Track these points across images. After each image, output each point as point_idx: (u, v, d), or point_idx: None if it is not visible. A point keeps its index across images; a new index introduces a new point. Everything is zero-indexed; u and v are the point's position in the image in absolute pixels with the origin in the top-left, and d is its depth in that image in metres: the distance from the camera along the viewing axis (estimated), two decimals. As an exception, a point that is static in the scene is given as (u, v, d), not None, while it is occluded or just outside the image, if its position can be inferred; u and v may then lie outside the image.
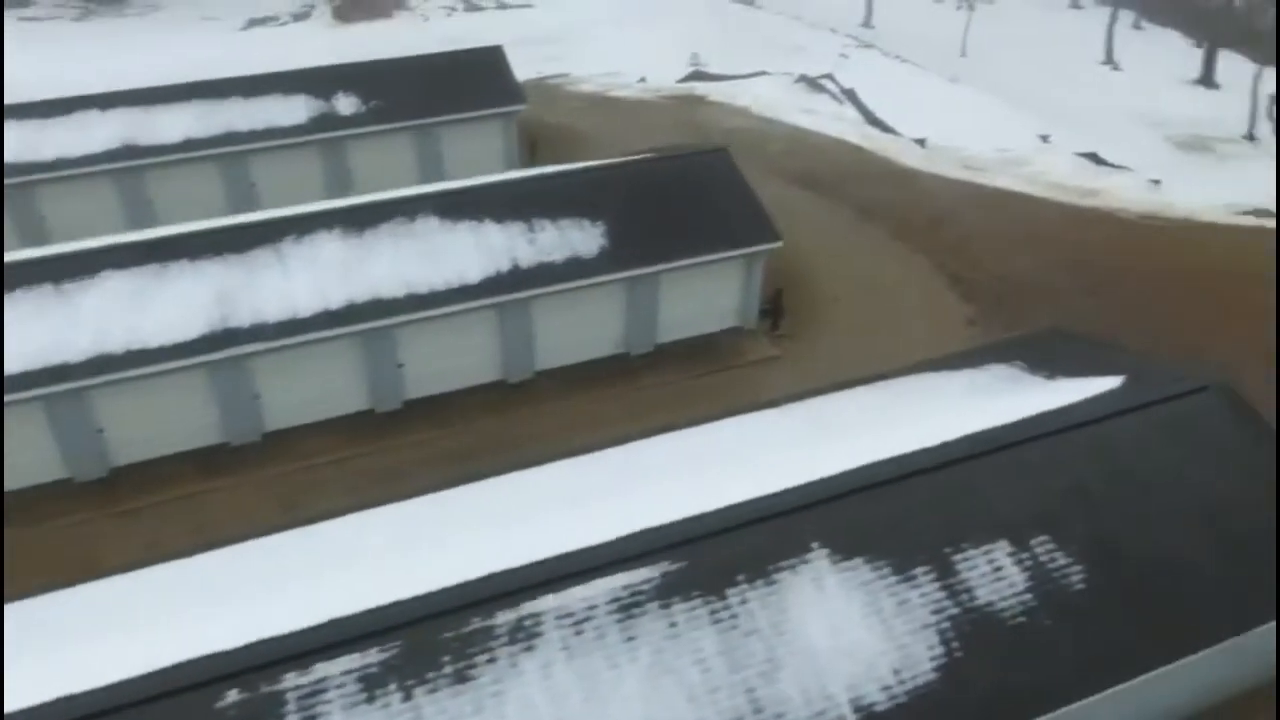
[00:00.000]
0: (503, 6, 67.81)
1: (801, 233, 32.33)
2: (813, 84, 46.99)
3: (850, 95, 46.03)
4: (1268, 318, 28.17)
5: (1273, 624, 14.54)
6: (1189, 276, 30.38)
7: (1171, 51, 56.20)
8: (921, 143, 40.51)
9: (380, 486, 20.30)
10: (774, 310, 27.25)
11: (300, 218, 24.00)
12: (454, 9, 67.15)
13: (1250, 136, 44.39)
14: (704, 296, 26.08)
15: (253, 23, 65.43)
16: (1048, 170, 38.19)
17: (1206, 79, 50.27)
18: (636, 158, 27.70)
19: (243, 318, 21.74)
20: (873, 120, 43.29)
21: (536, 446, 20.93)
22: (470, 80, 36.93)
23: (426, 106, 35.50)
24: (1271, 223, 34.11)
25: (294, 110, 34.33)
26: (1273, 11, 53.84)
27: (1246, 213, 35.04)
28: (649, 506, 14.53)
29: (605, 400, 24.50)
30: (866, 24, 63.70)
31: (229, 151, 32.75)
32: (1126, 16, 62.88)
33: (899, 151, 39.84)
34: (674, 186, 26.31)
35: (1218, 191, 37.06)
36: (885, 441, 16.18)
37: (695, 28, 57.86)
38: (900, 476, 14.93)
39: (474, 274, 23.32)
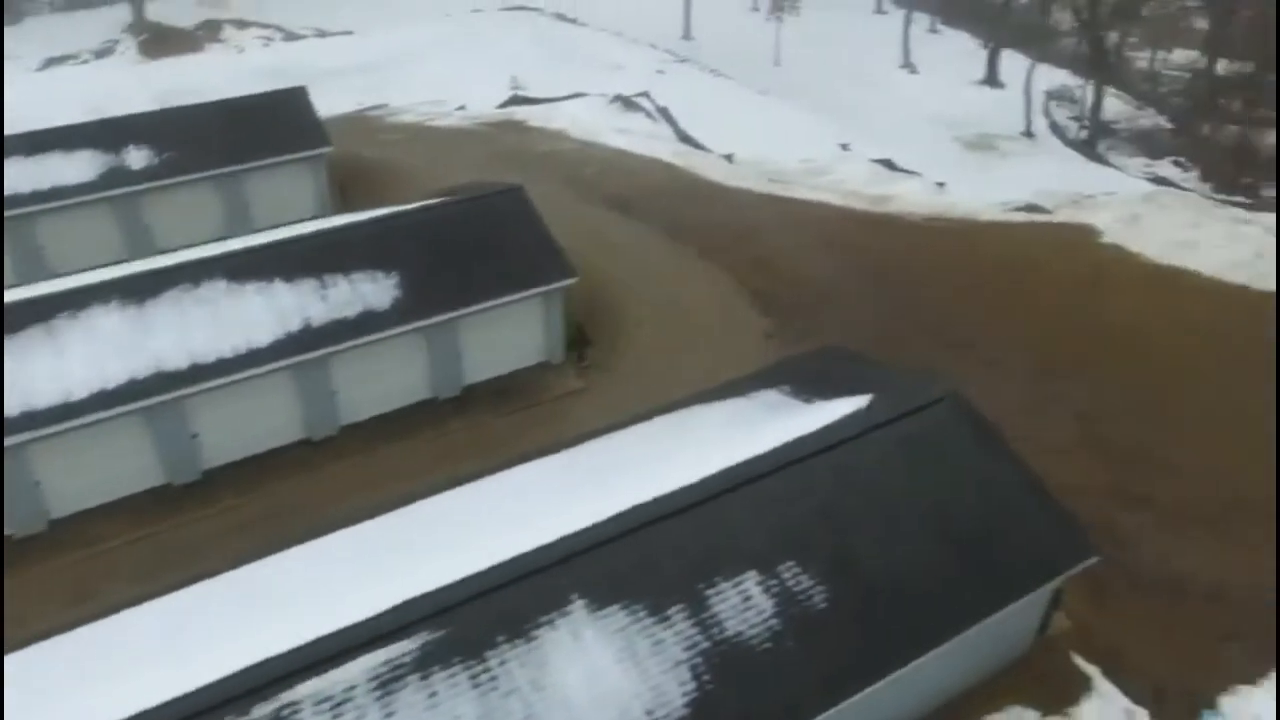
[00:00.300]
0: (322, 34, 66.42)
1: (611, 257, 33.33)
2: (628, 103, 48.11)
3: (664, 113, 47.38)
4: (1034, 308, 30.81)
5: (1000, 613, 16.14)
6: (966, 274, 32.79)
7: (963, 53, 60.06)
8: (729, 158, 42.14)
9: (177, 566, 19.92)
10: (579, 341, 27.98)
11: (75, 291, 23.21)
12: (270, 39, 65.32)
13: (1028, 133, 47.94)
14: (507, 335, 26.56)
15: (51, 61, 61.93)
16: (846, 179, 40.38)
17: (991, 79, 54.01)
18: (432, 202, 27.91)
19: (12, 405, 20.92)
20: (685, 138, 44.71)
21: (341, 504, 21.02)
22: (274, 124, 36.25)
23: (227, 154, 34.67)
24: (1041, 217, 37.16)
25: (81, 166, 32.98)
26: (1046, 12, 58.37)
27: (1019, 209, 37.97)
28: (416, 575, 14.90)
29: (413, 449, 24.67)
30: (686, 36, 65.49)
31: (13, 215, 31.25)
32: (926, 20, 66.88)
33: (709, 168, 41.32)
34: (469, 229, 26.67)
35: (996, 190, 40.05)
36: (650, 483, 17.02)
37: (518, 49, 58.21)
38: (657, 519, 15.79)
39: (263, 337, 23.10)
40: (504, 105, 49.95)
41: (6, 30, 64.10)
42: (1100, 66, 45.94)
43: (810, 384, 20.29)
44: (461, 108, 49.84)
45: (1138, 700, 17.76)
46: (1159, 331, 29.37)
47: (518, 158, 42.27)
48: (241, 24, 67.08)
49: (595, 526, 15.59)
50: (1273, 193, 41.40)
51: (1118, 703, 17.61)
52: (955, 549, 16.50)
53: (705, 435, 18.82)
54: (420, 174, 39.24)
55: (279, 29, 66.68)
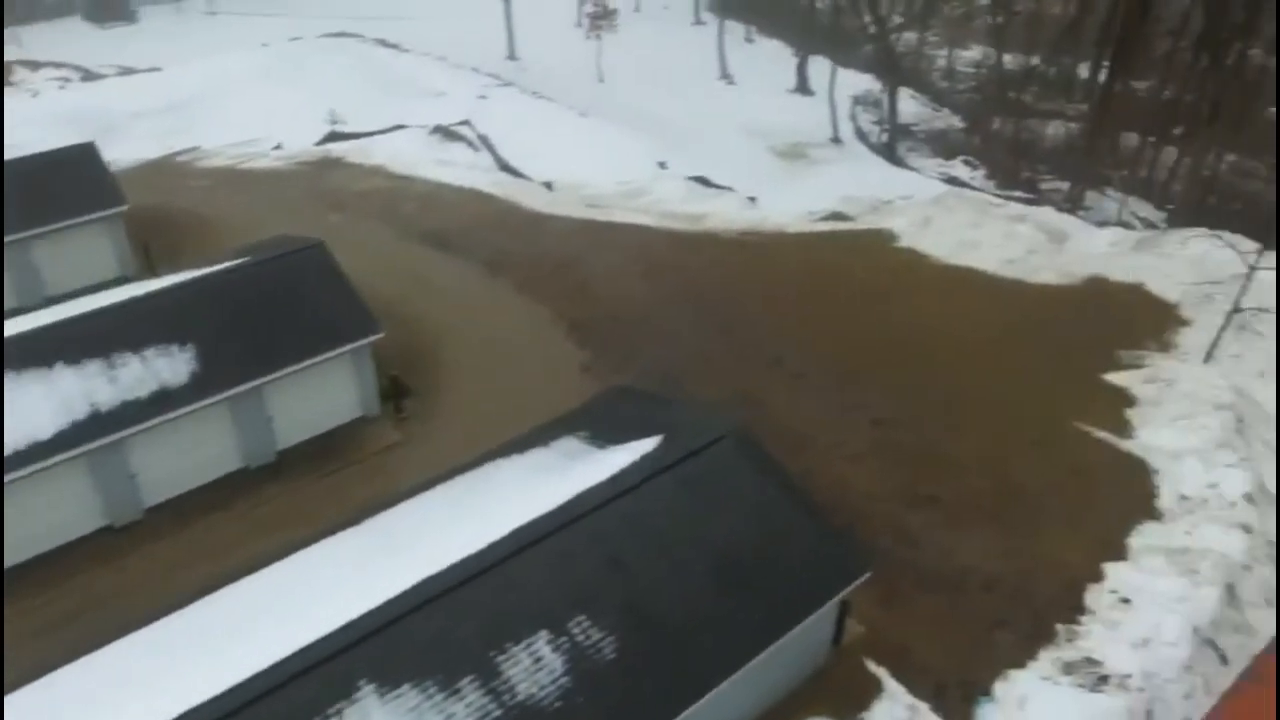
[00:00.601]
0: (126, 72, 63.14)
1: (429, 297, 33.33)
2: (449, 134, 47.99)
3: (485, 141, 47.50)
4: (838, 316, 32.55)
5: (785, 638, 17.23)
6: (776, 287, 34.36)
7: (777, 61, 62.35)
8: (549, 185, 42.68)
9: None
10: (396, 392, 27.93)
11: None
12: (67, 80, 61.69)
13: (836, 139, 50.35)
14: (318, 395, 26.26)
15: None
16: (663, 198, 41.56)
17: (802, 86, 56.36)
18: (229, 265, 27.25)
19: None
20: (505, 166, 44.99)
21: (147, 594, 20.46)
22: (61, 184, 34.48)
23: (10, 221, 32.79)
24: (845, 225, 39.24)
25: None
26: (850, 17, 61.30)
27: (825, 218, 40.01)
28: (200, 678, 14.76)
29: (226, 523, 24.13)
30: (511, 56, 65.48)
31: None
32: (742, 29, 69.06)
33: (528, 196, 41.75)
34: (268, 291, 26.21)
35: (805, 199, 41.99)
36: (446, 550, 17.32)
37: (337, 80, 56.86)
38: (449, 589, 16.13)
39: (46, 429, 22.15)
40: (322, 142, 48.98)
41: None
42: (891, 70, 48.59)
43: (607, 428, 20.99)
44: (278, 147, 48.57)
45: (921, 696, 19.27)
46: (947, 331, 31.56)
47: (335, 198, 41.63)
48: (34, 64, 63.18)
49: (386, 604, 15.79)
50: (1051, 185, 44.90)
51: (903, 700, 19.05)
52: (739, 582, 17.50)
53: (504, 492, 19.25)
54: (230, 224, 38.09)
55: (77, 68, 63.09)
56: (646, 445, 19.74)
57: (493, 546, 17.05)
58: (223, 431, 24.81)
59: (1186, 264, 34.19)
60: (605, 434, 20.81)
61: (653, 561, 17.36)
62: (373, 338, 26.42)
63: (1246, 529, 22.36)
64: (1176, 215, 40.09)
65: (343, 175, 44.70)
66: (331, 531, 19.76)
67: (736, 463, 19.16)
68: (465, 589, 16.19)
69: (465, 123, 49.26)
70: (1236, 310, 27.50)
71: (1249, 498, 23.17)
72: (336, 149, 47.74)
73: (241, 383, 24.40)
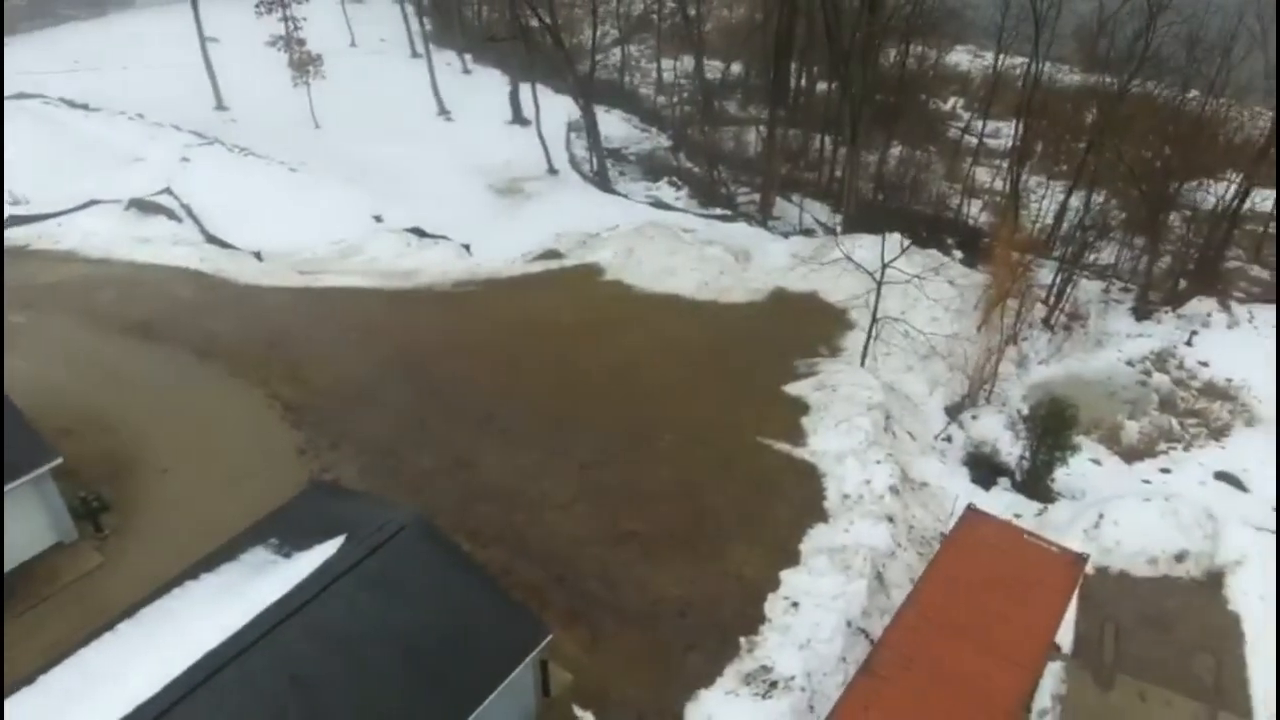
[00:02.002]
0: None
1: (130, 396, 31.89)
2: (147, 206, 45.71)
3: (188, 211, 45.63)
4: (547, 362, 34.06)
5: (478, 711, 18.41)
6: (489, 338, 35.49)
7: (495, 92, 63.22)
8: (258, 255, 41.72)
9: None
10: (90, 511, 26.80)
11: None
12: None
13: (552, 170, 52.07)
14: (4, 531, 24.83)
15: None
16: (378, 255, 41.71)
17: (518, 117, 57.61)
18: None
19: None
20: (211, 237, 43.48)
21: None
22: None
23: None
24: (556, 263, 40.97)
25: None
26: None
27: (538, 257, 41.59)
28: None
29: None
30: (220, 106, 62.71)
31: None
32: (460, 60, 69.44)
33: (238, 269, 40.66)
34: (-77, 433, 24.46)
35: (521, 239, 43.35)
36: (131, 690, 17.22)
37: (17, 152, 52.31)
38: (126, 739, 16.12)
39: None
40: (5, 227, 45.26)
41: None
42: (584, 94, 50.54)
43: (295, 534, 21.32)
44: (-56, 243, 44.38)
45: (621, 730, 21.10)
46: (649, 363, 33.90)
47: (20, 295, 38.67)
48: None
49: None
50: (749, 197, 48.60)
51: (605, 739, 20.78)
52: (427, 669, 18.50)
53: (192, 618, 19.22)
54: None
55: None
56: (330, 548, 20.29)
57: (176, 681, 17.13)
58: (-115, 594, 23.03)
59: (852, 268, 38.27)
60: (292, 540, 21.14)
61: (337, 669, 18.02)
62: (49, 464, 25.23)
63: (891, 519, 25.82)
64: (849, 219, 44.49)
65: (29, 266, 41.61)
66: (28, 679, 19.08)
67: (416, 553, 20.11)
68: (137, 743, 16.23)
69: (166, 191, 47.06)
70: (874, 319, 31.31)
71: (893, 489, 26.72)
72: (19, 235, 44.32)
73: (-103, 540, 22.75)
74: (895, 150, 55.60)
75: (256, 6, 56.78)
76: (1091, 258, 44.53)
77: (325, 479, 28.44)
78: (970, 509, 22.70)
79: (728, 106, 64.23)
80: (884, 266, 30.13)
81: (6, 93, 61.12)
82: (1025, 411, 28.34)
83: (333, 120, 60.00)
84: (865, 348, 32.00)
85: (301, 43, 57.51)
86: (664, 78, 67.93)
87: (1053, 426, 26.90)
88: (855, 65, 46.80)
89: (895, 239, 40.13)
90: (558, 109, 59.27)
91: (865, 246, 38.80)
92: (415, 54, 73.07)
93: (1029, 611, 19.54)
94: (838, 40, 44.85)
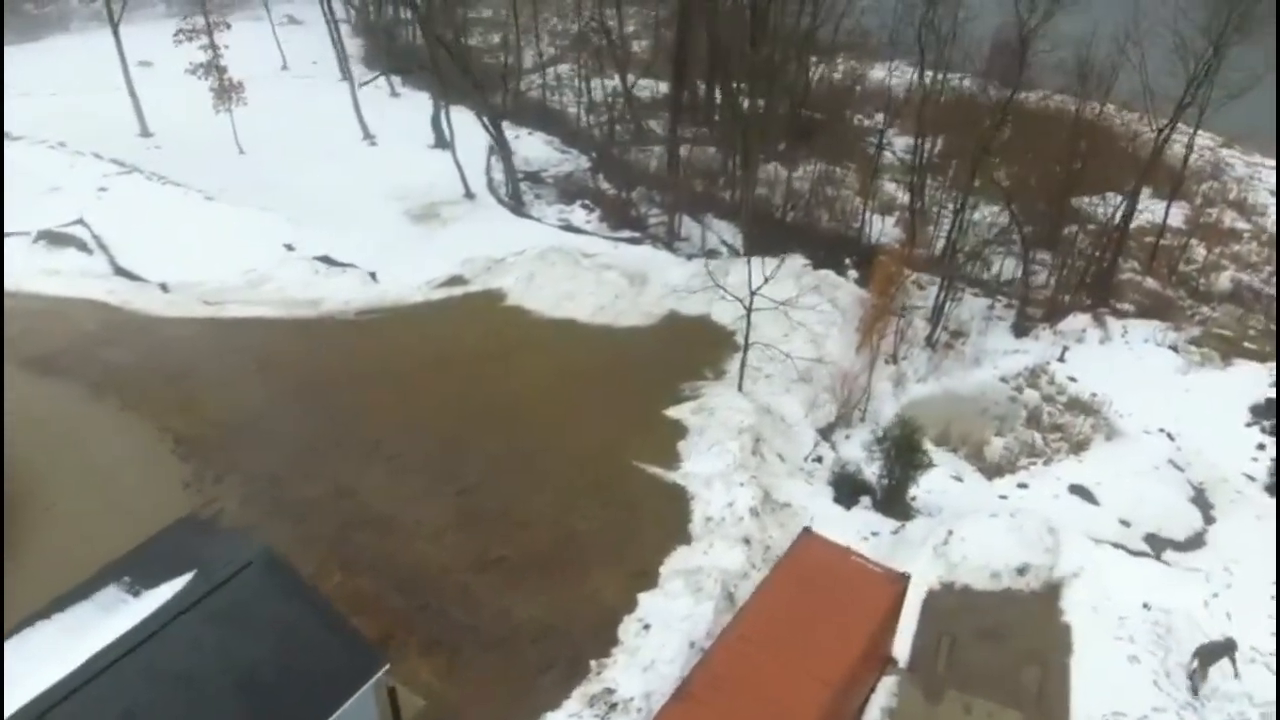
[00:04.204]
0: None
1: (23, 432, 32.27)
2: (57, 238, 45.98)
3: (99, 242, 45.97)
4: (443, 388, 34.85)
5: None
6: (389, 365, 36.22)
7: (422, 116, 63.74)
8: (164, 286, 42.20)
9: None
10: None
11: None
12: None
13: (469, 195, 52.86)
14: None
15: None
16: (286, 284, 42.31)
17: (441, 141, 58.24)
18: None
19: None
20: (120, 269, 43.87)
21: None
22: None
23: None
24: (461, 289, 41.78)
25: None
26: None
27: (444, 284, 42.37)
28: None
29: None
30: (144, 133, 62.93)
31: None
32: (389, 83, 70.01)
33: (144, 301, 41.10)
34: None
35: (430, 265, 44.03)
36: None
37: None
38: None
39: None
40: (-90, 262, 45.38)
41: None
42: (495, 124, 51.27)
43: (146, 572, 21.95)
44: None
45: (465, 755, 21.92)
46: (542, 387, 34.77)
47: (-78, 331, 39.04)
48: None
49: None
50: (661, 218, 49.64)
51: (449, 764, 21.59)
52: (263, 703, 19.24)
53: (28, 665, 19.82)
54: None
55: None
56: (178, 584, 20.98)
57: (5, 726, 17.76)
58: None
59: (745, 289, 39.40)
60: (145, 578, 21.77)
61: (173, 706, 18.71)
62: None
63: (748, 541, 26.85)
64: (750, 240, 45.58)
65: (-67, 302, 41.84)
66: None
67: (260, 588, 20.84)
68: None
69: (79, 222, 47.34)
70: (746, 345, 32.41)
71: (754, 511, 27.76)
72: (-71, 270, 44.45)
73: None
74: (812, 167, 56.97)
75: (175, 35, 57.16)
76: (986, 271, 46.00)
77: (210, 510, 29.20)
78: (805, 531, 23.73)
79: (656, 126, 65.23)
80: (752, 294, 31.21)
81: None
82: (879, 433, 29.48)
83: (257, 145, 60.38)
84: (741, 372, 33.06)
85: (223, 70, 57.88)
86: (594, 96, 68.85)
87: (903, 447, 28.08)
88: (760, 82, 48.03)
89: (792, 261, 41.55)
90: (481, 132, 59.91)
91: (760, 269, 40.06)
92: (344, 78, 73.67)
93: (842, 630, 20.56)
94: (723, 64, 46.03)
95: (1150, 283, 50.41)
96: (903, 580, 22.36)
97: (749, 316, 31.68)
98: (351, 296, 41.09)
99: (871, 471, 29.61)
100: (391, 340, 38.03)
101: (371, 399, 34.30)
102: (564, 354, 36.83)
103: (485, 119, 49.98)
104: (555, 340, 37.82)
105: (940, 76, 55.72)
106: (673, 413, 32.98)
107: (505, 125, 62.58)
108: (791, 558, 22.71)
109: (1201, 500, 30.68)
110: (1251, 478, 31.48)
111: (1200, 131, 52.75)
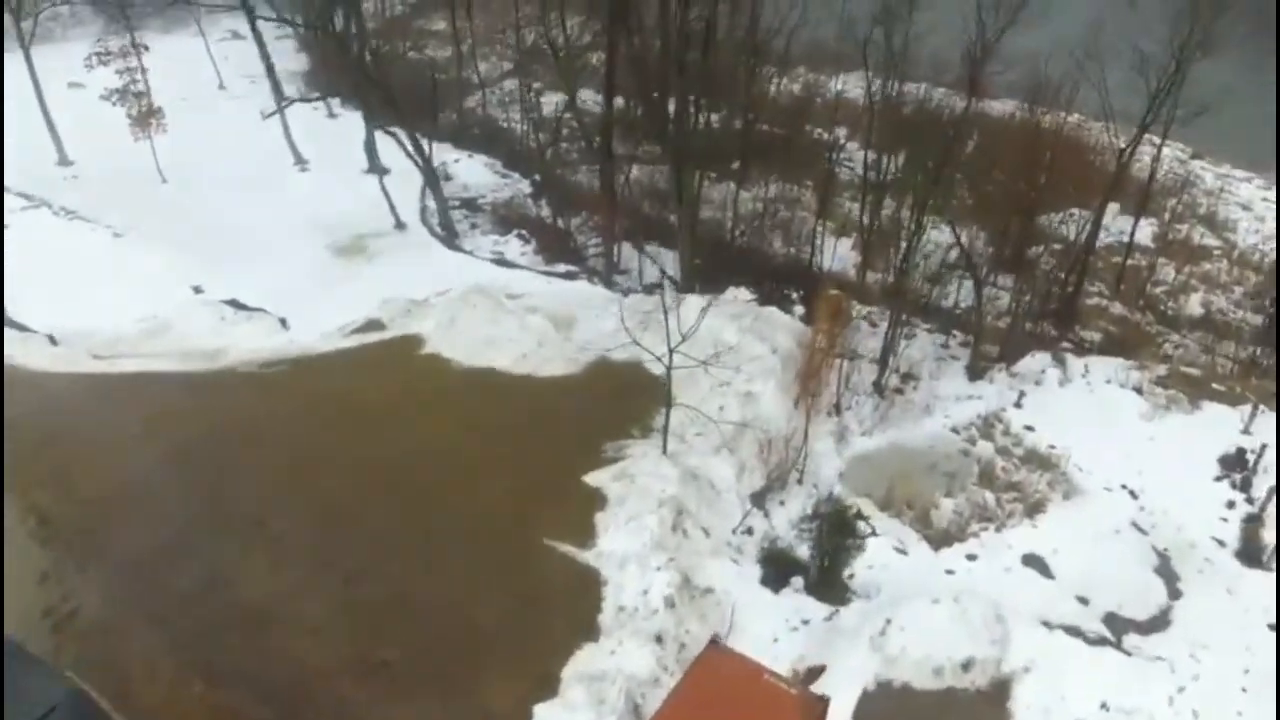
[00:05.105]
0: None
1: None
2: (-53, 284, 42.66)
3: (-9, 288, 42.66)
4: (342, 453, 31.78)
5: None
6: (285, 427, 33.07)
7: (360, 138, 60.53)
8: (53, 338, 38.97)
9: None
10: None
11: None
12: None
13: (399, 225, 49.81)
14: None
15: None
16: (188, 333, 39.15)
17: (375, 166, 55.10)
18: None
19: None
20: (9, 320, 40.54)
21: None
22: None
23: None
24: (376, 335, 38.73)
25: None
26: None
27: (359, 329, 39.25)
28: None
29: None
30: (63, 161, 59.52)
31: None
32: (325, 106, 66.67)
33: (29, 355, 37.75)
34: None
35: (348, 307, 40.72)
36: None
37: None
38: None
39: None
40: None
41: None
42: (421, 158, 48.17)
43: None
44: None
45: None
46: (451, 448, 31.69)
47: None
48: None
49: None
50: (598, 251, 46.69)
51: None
52: None
53: None
54: None
55: None
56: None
57: None
58: None
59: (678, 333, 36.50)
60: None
61: None
62: None
63: (660, 639, 23.96)
64: (688, 275, 42.72)
65: None
66: None
67: (66, 734, 17.87)
68: None
69: (-29, 265, 43.97)
70: (669, 406, 29.53)
71: (669, 601, 24.87)
72: None
73: None
74: (765, 188, 54.23)
75: (86, 60, 53.93)
76: (944, 298, 43.25)
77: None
78: (712, 643, 20.94)
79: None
80: (671, 352, 28.31)
81: None
82: (811, 509, 26.66)
83: (182, 173, 57.04)
84: (664, 435, 30.17)
85: (140, 95, 54.63)
86: (543, 113, 65.71)
87: (836, 527, 25.28)
88: (697, 96, 45.02)
89: (731, 299, 38.76)
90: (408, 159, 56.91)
91: (694, 307, 37.17)
92: (284, 97, 70.42)
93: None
94: (662, 75, 43.09)
95: (1117, 308, 47.91)
96: (821, 704, 19.55)
97: (669, 375, 28.78)
98: (258, 346, 37.95)
99: (804, 548, 26.80)
100: (292, 397, 34.87)
101: (263, 465, 31.18)
102: (479, 409, 33.78)
103: (408, 145, 46.76)
104: (471, 394, 34.78)
105: (894, 88, 53.14)
106: (592, 479, 30.02)
107: (446, 148, 59.77)
108: (695, 677, 19.89)
109: (1166, 569, 27.96)
110: (1221, 542, 28.80)
111: (1168, 141, 50.35)
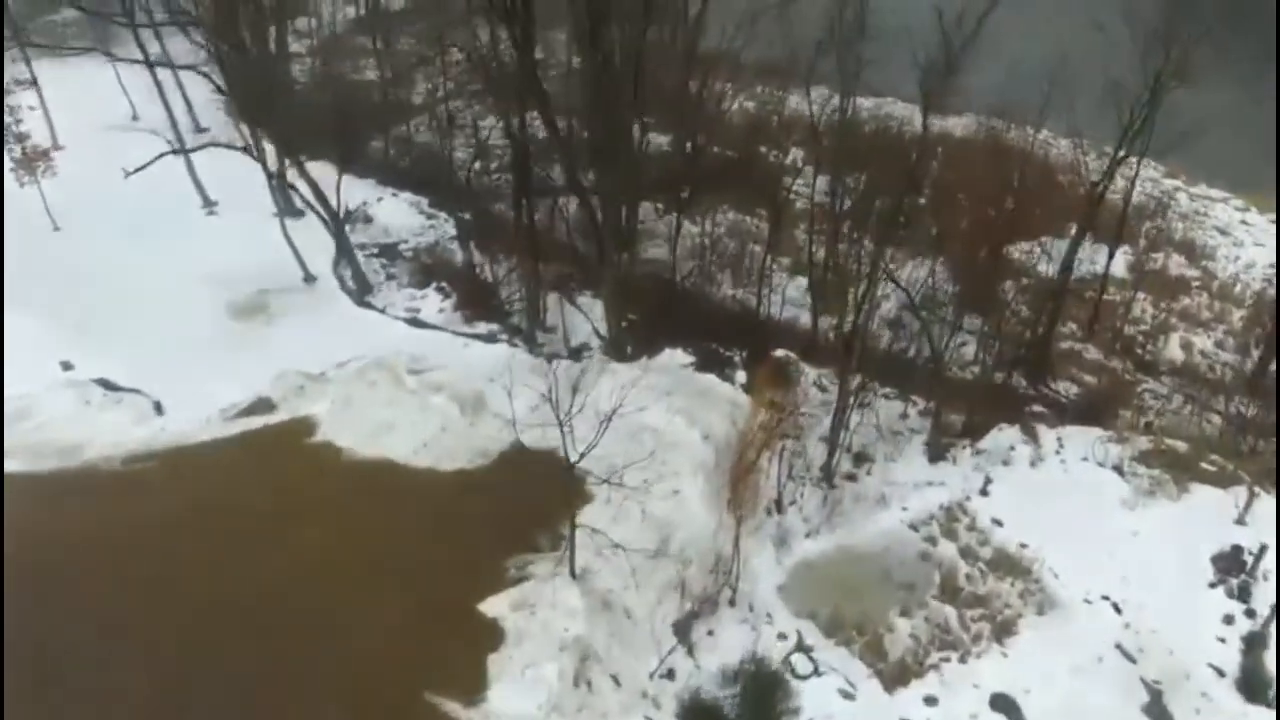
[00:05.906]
0: None
1: None
2: None
3: None
4: (200, 571, 27.34)
5: None
6: (131, 547, 28.36)
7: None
8: (-112, 434, 34.11)
9: None
10: None
11: None
12: None
13: (308, 278, 45.23)
14: None
15: None
16: (48, 421, 34.44)
17: (288, 208, 50.31)
18: None
19: None
20: None
21: None
22: None
23: None
24: (263, 418, 34.20)
25: None
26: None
27: (244, 411, 34.71)
28: None
29: None
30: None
31: None
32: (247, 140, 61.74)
33: None
34: None
35: (235, 383, 36.12)
36: None
37: None
38: None
39: None
40: None
41: None
42: (330, 216, 43.53)
43: None
44: None
45: None
46: (330, 564, 27.45)
47: None
48: None
49: None
50: (518, 312, 42.13)
51: None
52: None
53: None
54: None
55: None
56: None
57: None
58: None
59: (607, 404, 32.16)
60: None
61: None
62: None
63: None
64: (615, 339, 38.37)
65: None
66: None
67: None
68: None
69: None
70: (573, 526, 25.24)
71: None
72: None
73: None
74: (715, 220, 49.99)
75: (-36, 98, 48.93)
76: (908, 351, 39.36)
77: None
78: None
79: (552, 174, 57.03)
80: (571, 466, 24.00)
81: None
82: (730, 670, 22.49)
83: (79, 219, 51.97)
84: (570, 557, 25.82)
85: (24, 137, 49.74)
86: (483, 139, 60.82)
87: (757, 698, 21.06)
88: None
89: (664, 365, 34.60)
90: (343, 193, 52.12)
91: (619, 374, 33.02)
92: (201, 130, 65.37)
93: None
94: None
95: (1091, 351, 44.13)
96: None
97: (571, 489, 24.48)
98: (122, 438, 33.27)
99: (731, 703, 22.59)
100: (155, 503, 30.29)
101: (105, 598, 26.66)
102: (367, 516, 29.36)
103: (310, 194, 42.20)
104: (360, 497, 30.32)
105: (849, 105, 48.91)
106: (489, 607, 25.76)
107: (369, 184, 55.22)
108: None
109: (1158, 708, 23.98)
110: (1220, 672, 24.84)
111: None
